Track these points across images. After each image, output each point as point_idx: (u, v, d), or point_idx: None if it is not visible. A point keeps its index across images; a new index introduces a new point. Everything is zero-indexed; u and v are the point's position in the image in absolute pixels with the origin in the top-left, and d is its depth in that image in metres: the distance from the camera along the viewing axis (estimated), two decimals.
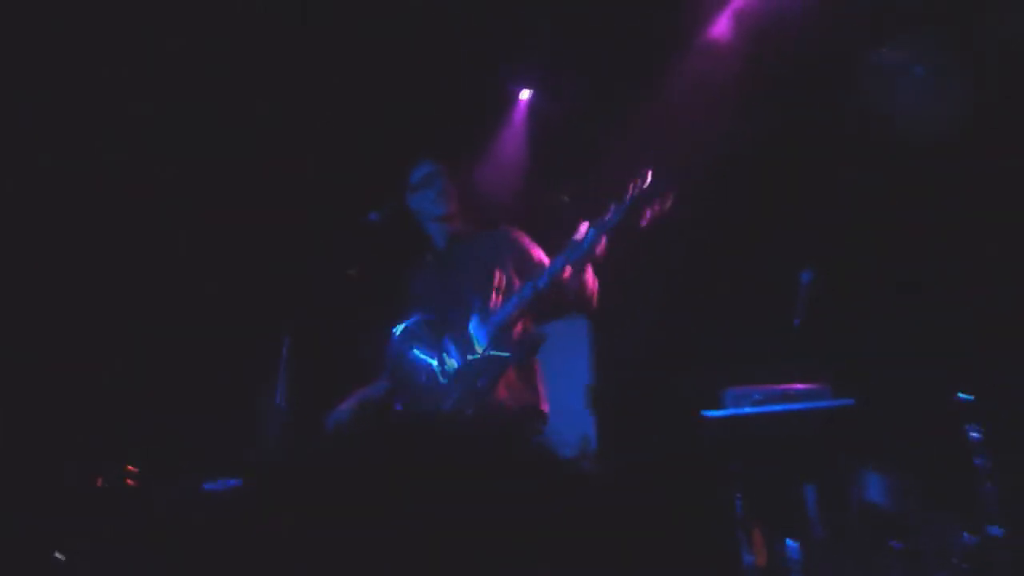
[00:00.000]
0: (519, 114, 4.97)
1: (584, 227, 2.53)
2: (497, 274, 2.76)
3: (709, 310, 4.02)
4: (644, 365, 4.16)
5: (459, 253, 2.92)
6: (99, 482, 3.38)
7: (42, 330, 4.53)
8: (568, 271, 2.56)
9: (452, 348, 2.73)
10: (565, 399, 4.83)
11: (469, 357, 2.67)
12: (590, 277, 2.63)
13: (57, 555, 3.11)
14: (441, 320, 2.82)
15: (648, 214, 2.42)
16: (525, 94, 5.11)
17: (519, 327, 2.71)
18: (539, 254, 2.84)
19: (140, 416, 4.38)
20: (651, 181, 2.43)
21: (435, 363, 2.75)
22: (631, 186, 2.47)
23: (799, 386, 2.95)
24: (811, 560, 2.83)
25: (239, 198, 5.00)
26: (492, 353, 2.64)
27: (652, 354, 4.11)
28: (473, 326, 2.70)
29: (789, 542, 2.85)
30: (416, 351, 2.83)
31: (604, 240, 2.50)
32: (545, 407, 2.78)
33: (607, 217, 2.48)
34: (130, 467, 3.33)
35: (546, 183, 4.65)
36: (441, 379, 2.72)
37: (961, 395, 2.67)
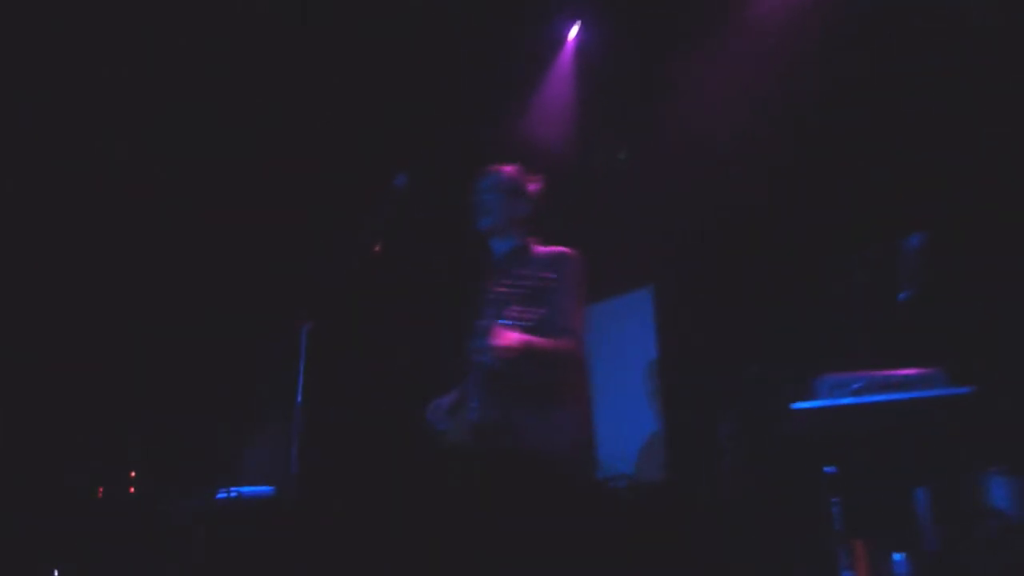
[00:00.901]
0: (566, 55, 4.63)
1: None
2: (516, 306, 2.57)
3: (798, 284, 3.58)
4: (722, 350, 3.76)
5: (508, 269, 2.76)
6: (100, 492, 3.40)
7: (43, 331, 4.53)
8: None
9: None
10: (629, 385, 4.51)
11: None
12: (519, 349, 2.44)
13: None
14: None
15: None
16: (573, 31, 4.71)
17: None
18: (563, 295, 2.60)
19: (143, 419, 4.33)
20: None
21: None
22: None
23: (907, 372, 2.54)
24: None
25: (244, 196, 4.97)
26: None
27: (733, 337, 3.70)
28: None
29: (896, 556, 2.53)
30: None
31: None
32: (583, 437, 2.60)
33: None
34: (131, 474, 3.25)
35: (602, 139, 4.41)
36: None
37: None
